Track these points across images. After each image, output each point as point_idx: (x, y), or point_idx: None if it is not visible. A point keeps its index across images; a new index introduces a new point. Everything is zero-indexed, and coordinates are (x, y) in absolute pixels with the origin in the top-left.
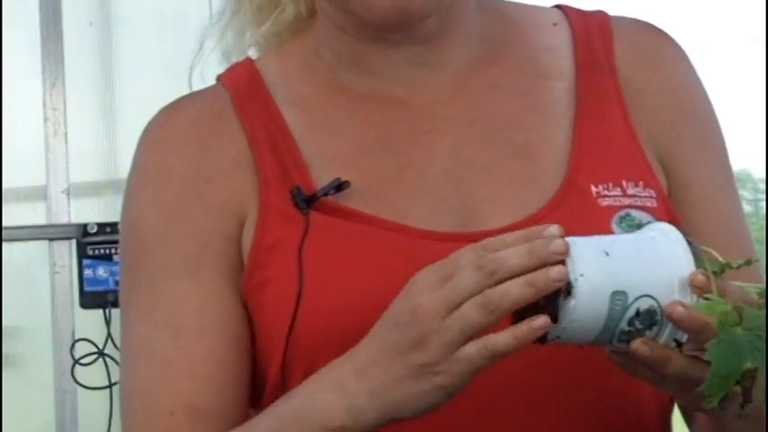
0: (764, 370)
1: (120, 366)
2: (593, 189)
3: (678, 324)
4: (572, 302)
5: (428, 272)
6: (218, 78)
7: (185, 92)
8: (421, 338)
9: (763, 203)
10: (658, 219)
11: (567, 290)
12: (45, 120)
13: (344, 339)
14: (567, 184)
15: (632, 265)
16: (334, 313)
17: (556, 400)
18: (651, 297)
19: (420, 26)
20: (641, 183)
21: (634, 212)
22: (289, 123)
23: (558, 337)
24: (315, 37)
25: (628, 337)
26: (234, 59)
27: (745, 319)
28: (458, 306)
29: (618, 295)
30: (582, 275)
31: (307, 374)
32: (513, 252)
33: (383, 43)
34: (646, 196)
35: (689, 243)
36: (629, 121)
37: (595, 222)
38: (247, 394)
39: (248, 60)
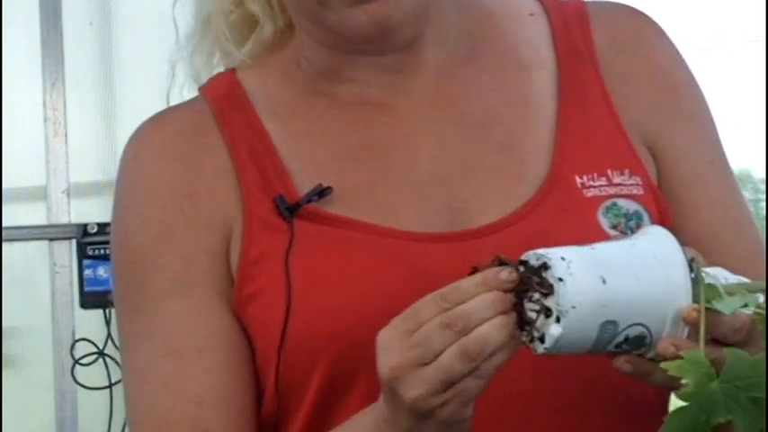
0: (741, 423)
1: (125, 390)
2: (578, 180)
3: (669, 358)
4: (559, 331)
5: (391, 329)
6: (200, 89)
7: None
8: (405, 405)
9: (764, 203)
10: (645, 206)
11: (556, 316)
12: (45, 120)
13: (338, 345)
14: (551, 176)
15: (628, 295)
16: (324, 320)
17: (557, 378)
18: (642, 325)
19: (397, 36)
20: (627, 171)
21: (620, 201)
22: (270, 132)
23: (541, 355)
24: (293, 49)
25: (614, 354)
26: (204, 81)
27: (727, 368)
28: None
29: (608, 324)
30: (574, 307)
31: (305, 382)
32: (477, 305)
33: (361, 53)
34: (632, 184)
35: (690, 266)
36: (612, 108)
37: (581, 213)
38: (254, 406)
39: (230, 71)
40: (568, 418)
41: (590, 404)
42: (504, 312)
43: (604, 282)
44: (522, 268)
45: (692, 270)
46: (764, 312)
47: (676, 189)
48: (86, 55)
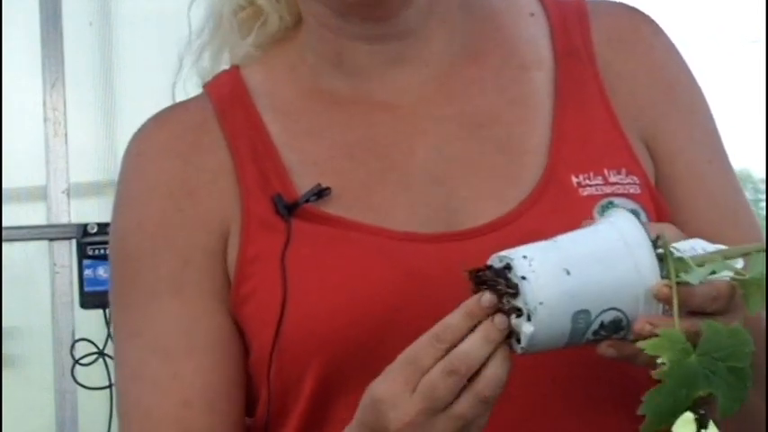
0: (721, 394)
1: (116, 384)
2: (574, 179)
3: (646, 337)
4: (531, 329)
5: (391, 380)
6: (204, 87)
7: (185, 92)
8: None
9: (764, 203)
10: (642, 205)
11: (527, 314)
12: (45, 120)
13: (333, 345)
14: (546, 176)
15: (595, 282)
16: (319, 320)
17: (549, 364)
18: (616, 309)
19: (400, 19)
20: (624, 170)
21: (617, 200)
22: (271, 131)
23: (522, 354)
24: (299, 42)
25: (595, 342)
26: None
27: (703, 341)
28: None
29: (581, 314)
30: (541, 303)
31: (299, 382)
32: (474, 345)
33: (364, 40)
34: (628, 183)
35: (654, 244)
36: (609, 107)
37: (577, 213)
38: (241, 408)
39: (234, 68)
40: (577, 407)
41: (596, 392)
42: (500, 343)
43: (568, 273)
44: (487, 273)
45: (657, 248)
46: (743, 277)
47: (674, 187)
48: (86, 55)
